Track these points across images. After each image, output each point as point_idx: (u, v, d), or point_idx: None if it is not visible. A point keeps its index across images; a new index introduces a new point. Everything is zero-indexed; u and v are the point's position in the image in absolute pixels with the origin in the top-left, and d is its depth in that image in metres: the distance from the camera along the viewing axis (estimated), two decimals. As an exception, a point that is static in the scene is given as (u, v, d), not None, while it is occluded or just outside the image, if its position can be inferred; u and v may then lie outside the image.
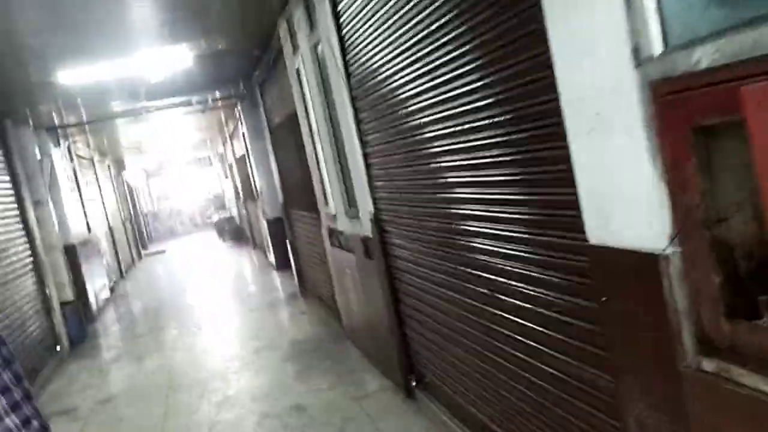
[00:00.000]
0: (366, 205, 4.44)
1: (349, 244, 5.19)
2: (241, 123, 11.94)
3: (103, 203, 14.89)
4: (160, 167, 25.97)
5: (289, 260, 10.98)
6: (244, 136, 12.11)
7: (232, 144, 15.52)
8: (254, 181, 12.20)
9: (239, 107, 11.54)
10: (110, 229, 14.95)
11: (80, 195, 11.93)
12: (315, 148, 5.69)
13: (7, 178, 7.72)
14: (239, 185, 15.98)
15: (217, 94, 10.31)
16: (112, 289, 12.96)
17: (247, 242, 17.43)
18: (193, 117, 13.28)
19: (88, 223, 11.96)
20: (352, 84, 4.21)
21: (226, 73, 8.51)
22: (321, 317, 7.21)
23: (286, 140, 7.83)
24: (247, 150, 12.19)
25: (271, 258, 12.00)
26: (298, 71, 5.70)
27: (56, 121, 9.93)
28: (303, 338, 6.59)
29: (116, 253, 14.99)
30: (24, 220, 7.85)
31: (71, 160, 11.89)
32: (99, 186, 14.87)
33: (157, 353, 7.28)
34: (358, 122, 4.27)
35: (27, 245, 7.79)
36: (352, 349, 5.79)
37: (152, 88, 8.31)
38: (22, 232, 7.73)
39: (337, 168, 5.07)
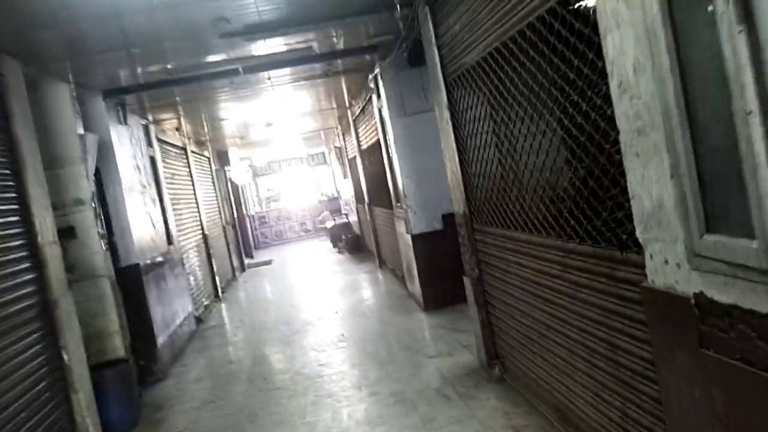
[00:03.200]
0: None
1: None
2: (378, 96, 8.35)
3: (198, 204, 11.84)
4: (268, 165, 23.16)
5: (449, 302, 7.35)
6: (380, 114, 8.51)
7: (356, 131, 12.03)
8: (393, 179, 8.57)
9: (377, 71, 7.96)
10: (205, 237, 11.88)
11: (160, 194, 8.79)
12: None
13: (-3, 158, 4.43)
14: (363, 186, 12.47)
15: (342, 42, 6.75)
16: (199, 318, 9.77)
17: (367, 256, 13.92)
18: (307, 93, 9.87)
19: (168, 232, 8.80)
20: None
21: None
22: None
23: (492, 92, 4.06)
24: (383, 135, 8.59)
25: (414, 288, 8.32)
26: None
27: (122, 80, 6.68)
28: None
29: (211, 267, 11.88)
30: (28, 232, 4.55)
31: (149, 145, 8.77)
32: (193, 182, 11.83)
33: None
34: None
35: (29, 277, 4.47)
36: None
37: (246, 15, 4.82)
38: (17, 255, 4.40)
39: None
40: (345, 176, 16.45)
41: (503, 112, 3.86)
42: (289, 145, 18.35)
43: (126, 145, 7.50)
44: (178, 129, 10.78)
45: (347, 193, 17.36)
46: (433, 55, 4.90)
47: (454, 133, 4.87)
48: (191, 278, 9.90)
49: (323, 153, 22.71)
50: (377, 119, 8.77)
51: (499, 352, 4.82)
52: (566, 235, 3.15)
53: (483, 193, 4.60)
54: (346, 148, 15.02)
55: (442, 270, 7.74)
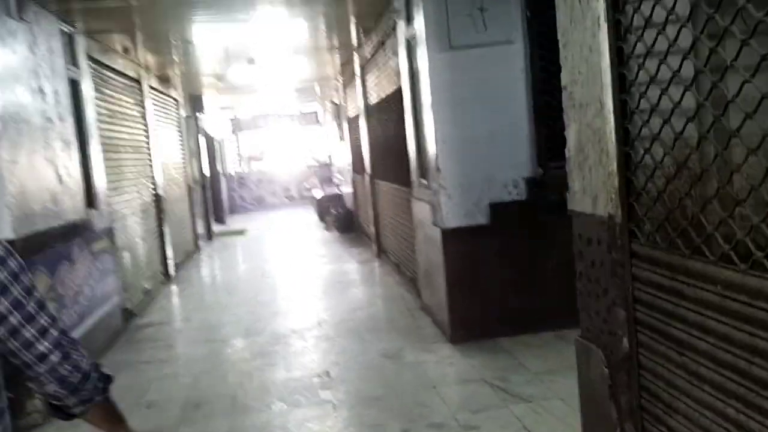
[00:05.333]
0: None
1: None
2: (407, 20, 5.70)
3: (151, 156, 9.15)
4: (252, 119, 20.31)
5: (488, 333, 4.93)
6: (408, 48, 5.86)
7: (363, 80, 9.36)
8: (419, 144, 5.94)
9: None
10: (158, 198, 9.23)
11: (82, 134, 6.12)
12: None
13: None
14: (366, 152, 9.84)
15: None
16: (131, 312, 7.16)
17: (362, 239, 11.37)
18: (301, 16, 7.21)
19: (91, 189, 6.17)
20: None
21: None
22: None
23: None
24: (411, 78, 5.93)
25: (435, 302, 5.77)
26: None
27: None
28: None
29: (162, 239, 9.25)
30: None
31: (72, 63, 6.07)
32: (147, 127, 9.13)
33: None
34: None
35: None
36: None
37: None
38: None
39: None
40: (342, 139, 13.78)
41: None
42: (277, 96, 15.60)
43: (17, 52, 4.81)
44: (127, 51, 8.04)
45: (342, 160, 14.69)
46: None
47: (615, 50, 2.25)
48: (125, 255, 7.26)
49: (316, 112, 19.96)
50: (403, 56, 6.11)
51: None
52: None
53: (675, 182, 2.02)
54: (346, 104, 12.34)
55: (483, 285, 5.20)
